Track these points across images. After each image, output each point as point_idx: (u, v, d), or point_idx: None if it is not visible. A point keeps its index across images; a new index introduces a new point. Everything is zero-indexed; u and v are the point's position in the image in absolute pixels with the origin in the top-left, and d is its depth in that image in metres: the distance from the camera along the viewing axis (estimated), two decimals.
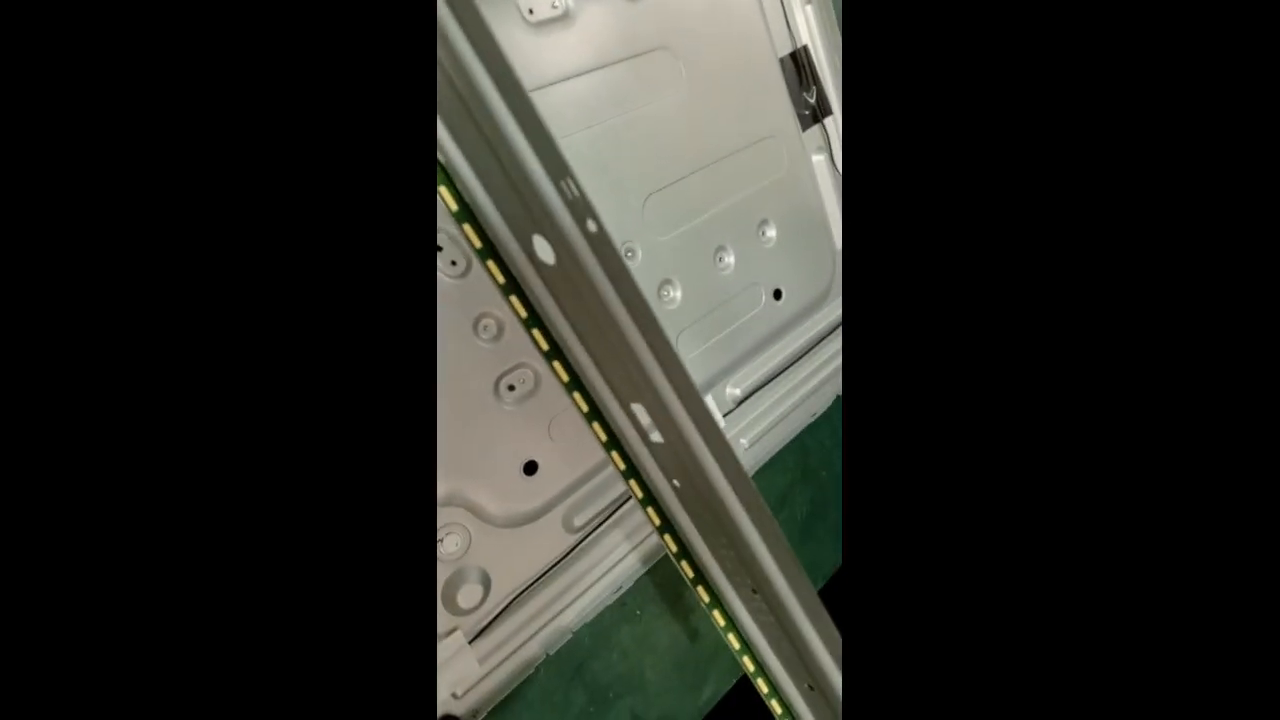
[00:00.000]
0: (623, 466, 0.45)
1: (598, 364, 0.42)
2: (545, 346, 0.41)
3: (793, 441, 0.68)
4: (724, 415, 0.63)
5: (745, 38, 0.63)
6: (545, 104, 0.50)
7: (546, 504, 0.53)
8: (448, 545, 0.48)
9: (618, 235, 0.55)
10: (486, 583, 0.50)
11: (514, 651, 0.51)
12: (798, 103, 0.67)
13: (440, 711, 0.48)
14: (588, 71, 0.52)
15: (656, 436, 0.42)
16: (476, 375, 0.49)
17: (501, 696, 0.50)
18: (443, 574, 0.48)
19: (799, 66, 0.66)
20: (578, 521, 0.54)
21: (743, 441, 0.63)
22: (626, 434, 0.44)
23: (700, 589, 0.48)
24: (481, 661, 0.49)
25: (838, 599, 0.72)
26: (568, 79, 0.51)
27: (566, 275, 0.37)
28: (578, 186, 0.33)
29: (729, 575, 0.47)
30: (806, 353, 0.68)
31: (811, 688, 0.48)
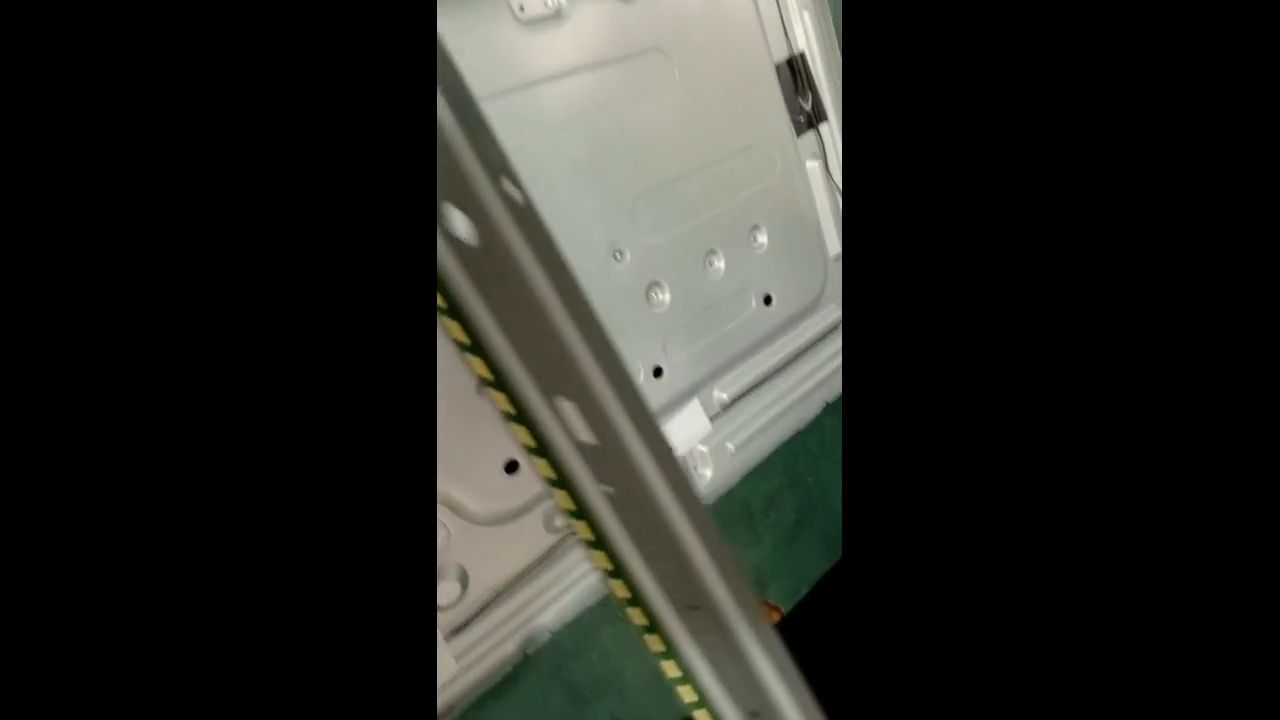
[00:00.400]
0: (551, 475, 0.41)
1: (519, 354, 0.37)
2: (465, 340, 0.36)
3: (781, 448, 0.68)
4: (711, 418, 0.63)
5: (741, 43, 0.63)
6: (534, 102, 0.51)
7: (527, 503, 0.53)
8: None
9: (606, 236, 0.55)
10: (464, 580, 0.50)
11: (491, 649, 0.51)
12: (793, 109, 0.67)
13: None
14: (578, 71, 0.52)
15: (587, 437, 0.39)
16: (459, 373, 0.49)
17: (478, 694, 0.50)
18: None
19: (795, 73, 0.66)
20: (559, 521, 0.54)
21: (729, 445, 0.63)
22: (553, 436, 0.40)
23: (635, 611, 0.44)
24: (458, 658, 0.49)
25: (825, 604, 0.72)
26: (558, 78, 0.51)
27: (487, 252, 0.33)
28: (499, 151, 0.29)
29: (667, 591, 0.44)
30: (796, 358, 0.68)
31: (755, 714, 0.45)
